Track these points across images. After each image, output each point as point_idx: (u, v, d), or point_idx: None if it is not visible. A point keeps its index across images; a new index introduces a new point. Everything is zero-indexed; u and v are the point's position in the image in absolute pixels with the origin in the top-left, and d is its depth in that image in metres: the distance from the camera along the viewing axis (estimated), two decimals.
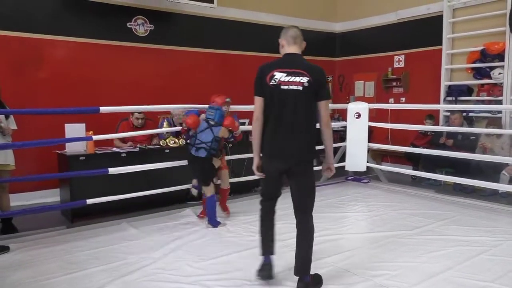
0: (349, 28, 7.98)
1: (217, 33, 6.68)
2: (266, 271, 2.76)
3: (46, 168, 4.58)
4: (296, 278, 2.67)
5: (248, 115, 5.73)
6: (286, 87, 2.56)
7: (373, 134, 6.42)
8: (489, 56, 5.77)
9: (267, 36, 7.22)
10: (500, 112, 5.65)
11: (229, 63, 6.80)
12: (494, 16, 5.72)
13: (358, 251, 3.32)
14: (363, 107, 5.80)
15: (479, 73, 5.96)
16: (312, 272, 2.70)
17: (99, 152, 4.41)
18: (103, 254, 3.32)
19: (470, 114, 5.97)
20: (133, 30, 5.87)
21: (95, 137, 4.10)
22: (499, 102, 5.65)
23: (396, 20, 7.09)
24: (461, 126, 5.64)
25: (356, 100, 6.99)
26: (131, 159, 4.45)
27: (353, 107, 5.92)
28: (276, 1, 7.33)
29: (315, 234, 2.69)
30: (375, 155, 6.76)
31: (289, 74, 2.56)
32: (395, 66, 7.21)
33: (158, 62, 6.11)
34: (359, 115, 5.77)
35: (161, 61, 6.13)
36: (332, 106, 7.85)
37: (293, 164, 2.60)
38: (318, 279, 2.76)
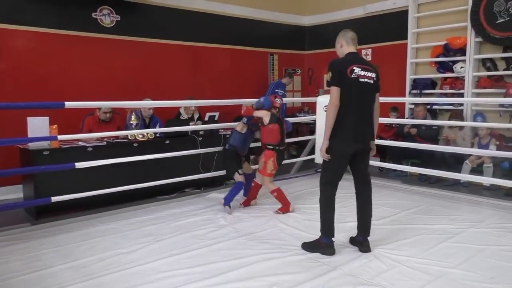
0: (318, 22, 8.04)
1: (185, 24, 6.57)
2: (333, 248, 3.11)
3: (8, 162, 4.39)
4: None
5: (220, 108, 5.74)
6: (363, 80, 2.99)
7: None
8: (452, 51, 5.96)
9: (236, 29, 7.21)
10: (462, 104, 5.86)
11: (196, 55, 6.71)
12: (457, 12, 5.90)
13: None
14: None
15: (443, 67, 6.15)
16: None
17: (64, 146, 4.28)
18: (69, 251, 3.24)
19: (434, 107, 6.17)
20: (99, 20, 5.69)
21: (60, 137, 3.95)
22: (461, 95, 5.85)
23: (364, 14, 7.20)
24: (425, 118, 5.82)
25: (325, 93, 7.07)
26: (98, 153, 4.32)
27: (322, 100, 5.95)
28: None
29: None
30: None
31: (363, 69, 2.99)
32: None
33: (126, 54, 5.96)
34: None
35: (128, 53, 5.98)
36: (302, 99, 7.98)
37: (366, 144, 3.09)
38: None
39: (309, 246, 3.19)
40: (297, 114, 7.79)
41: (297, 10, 8.12)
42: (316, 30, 8.15)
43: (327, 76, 3.04)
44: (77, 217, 4.07)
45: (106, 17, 5.74)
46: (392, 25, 6.75)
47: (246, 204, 4.47)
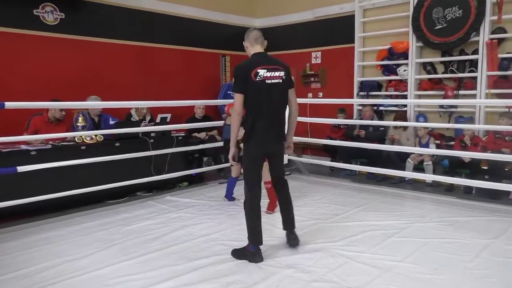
0: (268, 24, 8.13)
1: (133, 24, 6.40)
2: (260, 256, 3.02)
3: None
4: None
5: (170, 110, 5.65)
6: (270, 81, 2.94)
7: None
8: (396, 54, 6.25)
9: (187, 29, 7.13)
10: (405, 106, 6.16)
11: (145, 55, 6.56)
12: (400, 18, 6.19)
13: (279, 240, 3.40)
14: None
15: (387, 69, 6.44)
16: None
17: (4, 150, 4.03)
18: (13, 260, 3.06)
19: (380, 108, 6.44)
20: (41, 18, 5.41)
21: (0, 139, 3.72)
22: (405, 97, 6.15)
23: (313, 18, 7.38)
24: (372, 119, 6.07)
25: None
26: (43, 157, 4.10)
27: None
28: None
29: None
30: (296, 148, 6.99)
31: (269, 70, 2.94)
32: (312, 62, 7.51)
33: (71, 53, 5.69)
34: None
35: (73, 52, 5.72)
36: None
37: (278, 145, 3.13)
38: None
39: (237, 254, 3.08)
40: None
41: (249, 12, 8.16)
42: (267, 33, 8.10)
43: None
44: (20, 225, 3.84)
45: (49, 14, 5.46)
46: (340, 29, 6.97)
47: (272, 208, 4.19)
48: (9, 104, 3.51)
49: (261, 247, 3.04)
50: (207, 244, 3.37)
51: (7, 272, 2.86)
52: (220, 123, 6.13)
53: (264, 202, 4.11)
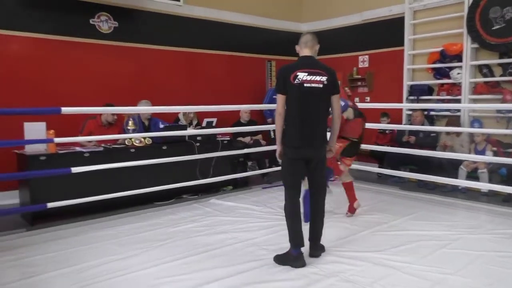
0: (315, 29, 8.05)
1: (183, 31, 6.59)
2: (302, 260, 3.00)
3: (4, 168, 4.35)
4: None
5: (215, 114, 5.74)
6: (308, 85, 2.92)
7: None
8: (448, 57, 5.98)
9: (233, 35, 7.23)
10: (459, 110, 5.87)
11: (193, 61, 6.72)
12: (453, 18, 5.93)
13: (326, 248, 3.34)
14: None
15: (439, 73, 6.17)
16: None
17: (60, 152, 4.26)
18: (63, 257, 3.21)
19: (431, 113, 6.18)
20: (97, 26, 5.70)
21: (56, 140, 3.93)
22: (458, 101, 5.87)
23: (360, 21, 7.24)
24: (423, 124, 5.83)
25: None
26: (95, 159, 4.31)
27: None
28: (242, 0, 7.31)
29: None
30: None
31: (310, 73, 2.92)
32: (359, 66, 7.36)
33: (123, 60, 5.96)
34: None
35: (126, 59, 5.99)
36: None
37: (316, 151, 3.03)
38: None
39: (279, 259, 3.06)
40: None
41: (295, 17, 8.15)
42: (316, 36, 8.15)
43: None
44: (72, 223, 4.04)
45: (104, 23, 5.75)
46: (389, 32, 6.78)
47: (352, 210, 4.27)
48: (65, 110, 3.68)
49: (304, 251, 3.03)
50: (250, 249, 3.37)
51: (58, 268, 3.00)
52: (265, 127, 6.17)
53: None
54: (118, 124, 5.12)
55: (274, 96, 6.94)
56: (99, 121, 4.97)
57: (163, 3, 6.11)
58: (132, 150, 4.66)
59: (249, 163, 5.95)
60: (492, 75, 5.65)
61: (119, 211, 4.40)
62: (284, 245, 3.22)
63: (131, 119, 4.83)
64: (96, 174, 4.07)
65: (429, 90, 6.31)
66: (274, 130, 6.78)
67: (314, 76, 2.94)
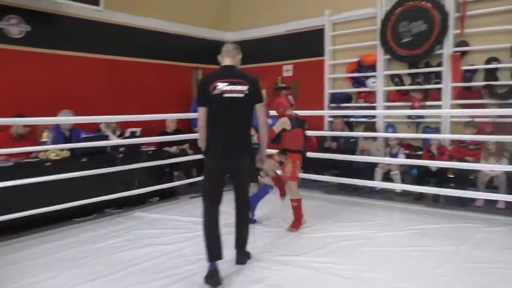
0: (241, 38, 8.15)
1: (105, 37, 6.32)
2: (214, 277, 2.84)
3: None
4: None
5: (140, 124, 5.57)
6: (228, 95, 2.88)
7: None
8: (364, 67, 6.39)
9: (159, 43, 7.09)
10: (375, 117, 6.27)
11: (116, 69, 6.48)
12: (368, 31, 6.33)
13: (252, 255, 3.36)
14: None
15: (357, 82, 6.56)
16: None
17: None
18: None
19: (351, 119, 6.53)
20: (5, 30, 5.27)
21: None
22: (374, 108, 6.27)
23: (284, 31, 7.47)
24: (343, 130, 6.14)
25: None
26: (4, 174, 3.94)
27: None
28: (167, 7, 7.20)
29: None
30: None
31: (230, 83, 2.89)
32: (284, 75, 7.58)
33: (38, 67, 5.56)
34: None
35: (41, 66, 5.59)
36: None
37: (238, 161, 2.99)
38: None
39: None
40: None
41: (222, 26, 8.19)
42: (239, 46, 8.25)
43: None
44: None
45: (14, 27, 5.33)
46: (311, 43, 7.06)
47: (297, 226, 4.07)
48: None
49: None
50: (175, 261, 3.30)
51: None
52: (192, 136, 6.10)
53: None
54: (31, 136, 4.75)
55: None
56: (8, 134, 4.59)
57: (81, 7, 5.79)
58: (48, 164, 4.35)
59: (176, 173, 5.84)
60: (403, 84, 6.13)
61: (34, 230, 4.07)
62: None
63: (46, 130, 4.51)
64: (6, 191, 3.74)
65: (348, 98, 6.67)
66: None
67: (235, 86, 2.91)
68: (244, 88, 2.94)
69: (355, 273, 3.00)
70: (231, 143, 2.95)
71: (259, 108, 3.06)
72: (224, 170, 3.01)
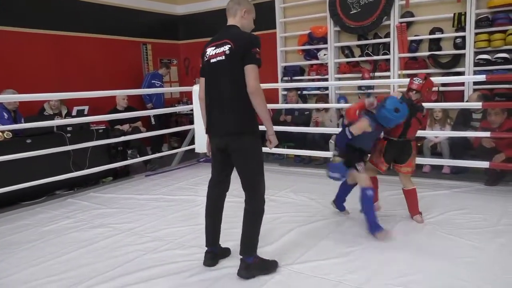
0: (191, 11, 7.96)
1: (47, 12, 5.92)
2: (207, 259, 2.71)
3: None
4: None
5: (88, 101, 5.35)
6: (214, 60, 2.47)
7: None
8: (315, 39, 6.43)
9: (106, 17, 6.77)
10: (327, 89, 6.38)
11: (64, 45, 6.12)
12: (318, 3, 6.33)
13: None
14: None
15: (309, 54, 6.61)
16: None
17: None
18: None
19: (304, 92, 6.61)
20: None
21: None
22: (327, 80, 6.35)
23: None
24: (297, 103, 6.21)
25: None
26: None
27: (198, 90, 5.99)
28: None
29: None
30: None
31: (216, 46, 2.47)
32: None
33: None
34: None
35: None
36: (180, 89, 7.86)
37: (229, 139, 2.46)
38: (265, 264, 2.58)
39: None
40: (176, 104, 7.66)
41: None
42: (190, 19, 8.06)
43: None
44: None
45: None
46: (262, 15, 6.96)
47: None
48: None
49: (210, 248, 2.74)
50: (131, 239, 3.25)
51: None
52: (144, 113, 5.97)
53: None
54: None
55: (153, 81, 6.85)
56: None
57: None
58: None
59: (129, 152, 5.70)
60: (353, 56, 6.25)
61: None
62: (169, 233, 3.19)
63: None
64: None
65: (300, 70, 6.72)
66: (153, 116, 6.64)
67: (219, 48, 2.46)
68: (226, 48, 2.41)
69: (306, 240, 3.10)
70: (216, 118, 2.51)
71: (248, 71, 2.38)
72: (220, 149, 2.55)
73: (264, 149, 2.63)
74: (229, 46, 2.41)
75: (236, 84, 2.42)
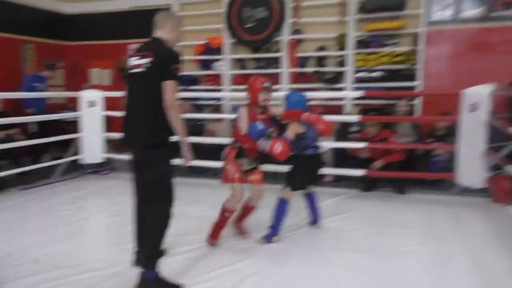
0: (81, 11, 7.47)
1: None
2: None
3: None
4: None
5: None
6: (135, 70, 2.49)
7: (111, 124, 6.25)
8: (212, 50, 6.48)
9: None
10: (221, 99, 6.45)
11: None
12: (215, 14, 6.40)
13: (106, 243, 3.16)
14: (98, 96, 5.64)
15: (204, 64, 6.63)
16: None
17: None
18: None
19: (199, 102, 6.60)
20: None
21: None
22: (221, 91, 6.42)
23: (129, 7, 7.07)
24: (192, 113, 6.15)
25: (91, 88, 6.65)
26: None
27: (87, 96, 5.65)
28: None
29: None
30: (114, 145, 6.63)
31: (139, 57, 2.49)
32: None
33: None
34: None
35: None
36: (66, 94, 7.26)
37: (136, 151, 2.57)
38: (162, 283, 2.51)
39: None
40: (60, 111, 7.05)
41: None
42: (80, 20, 7.55)
43: None
44: None
45: None
46: None
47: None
48: None
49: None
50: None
51: None
52: (22, 119, 5.43)
53: None
54: None
55: (32, 84, 6.25)
56: None
57: None
58: None
59: (1, 162, 5.11)
60: (246, 68, 6.42)
61: None
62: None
63: None
64: None
65: (194, 80, 6.69)
66: (36, 123, 6.06)
67: (140, 60, 2.47)
68: (146, 60, 2.44)
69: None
70: (127, 128, 2.58)
71: (166, 86, 2.41)
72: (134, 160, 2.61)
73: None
74: (151, 59, 2.44)
75: (152, 97, 2.46)
